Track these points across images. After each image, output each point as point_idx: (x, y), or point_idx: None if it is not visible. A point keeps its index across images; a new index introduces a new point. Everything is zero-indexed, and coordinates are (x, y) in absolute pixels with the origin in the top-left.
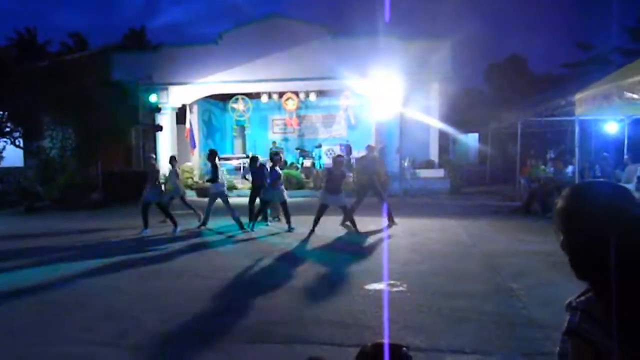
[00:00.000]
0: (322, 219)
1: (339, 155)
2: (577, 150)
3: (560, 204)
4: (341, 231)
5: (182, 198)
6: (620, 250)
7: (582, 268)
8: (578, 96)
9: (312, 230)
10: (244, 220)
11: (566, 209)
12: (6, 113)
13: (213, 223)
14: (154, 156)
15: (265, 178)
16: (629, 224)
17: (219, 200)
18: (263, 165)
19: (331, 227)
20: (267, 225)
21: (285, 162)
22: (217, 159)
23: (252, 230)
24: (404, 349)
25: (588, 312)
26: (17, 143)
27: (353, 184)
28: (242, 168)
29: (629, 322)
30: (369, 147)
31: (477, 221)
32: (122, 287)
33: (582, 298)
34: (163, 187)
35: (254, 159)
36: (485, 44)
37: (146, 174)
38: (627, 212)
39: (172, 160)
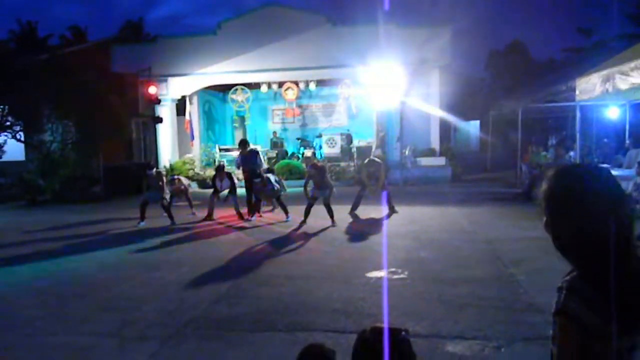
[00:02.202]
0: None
1: (307, 157)
2: (578, 135)
3: (545, 186)
4: (344, 220)
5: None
6: (605, 229)
7: (567, 248)
8: (579, 81)
9: (304, 221)
10: (243, 210)
11: (551, 191)
12: (7, 107)
13: (215, 213)
14: (163, 172)
15: (255, 165)
16: (611, 203)
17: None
18: (254, 151)
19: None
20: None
21: (286, 152)
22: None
23: (251, 219)
24: (403, 332)
25: (573, 290)
26: (18, 137)
27: (355, 174)
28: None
29: (613, 297)
30: (373, 160)
31: (478, 208)
32: (123, 277)
33: (567, 277)
34: (167, 190)
35: (242, 143)
36: (485, 31)
37: (151, 178)
38: (609, 191)
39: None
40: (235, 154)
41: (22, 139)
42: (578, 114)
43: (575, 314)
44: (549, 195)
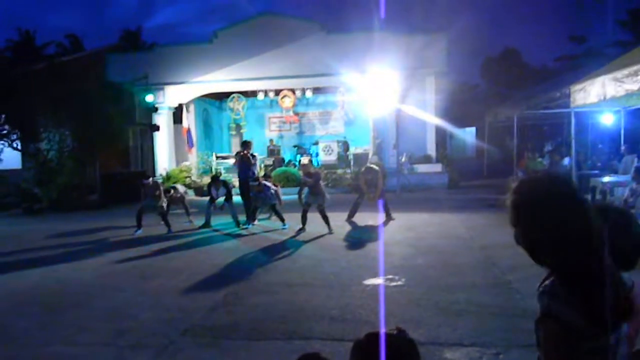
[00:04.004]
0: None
1: (304, 165)
2: (573, 142)
3: (512, 198)
4: (341, 227)
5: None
6: (570, 234)
7: (541, 257)
8: (573, 88)
9: (302, 228)
10: (241, 218)
11: (518, 202)
12: (3, 115)
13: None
14: (159, 181)
15: (246, 169)
16: (576, 211)
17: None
18: (251, 156)
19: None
20: (260, 221)
21: (283, 160)
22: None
23: (247, 227)
24: (400, 332)
25: (554, 295)
26: (15, 145)
27: (352, 181)
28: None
29: (591, 297)
30: (371, 167)
31: (475, 215)
32: (120, 286)
33: (547, 282)
34: (164, 198)
35: (237, 154)
36: (480, 38)
37: (147, 187)
38: (572, 199)
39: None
40: (232, 161)
41: (19, 147)
42: (573, 121)
43: (561, 316)
44: (518, 207)
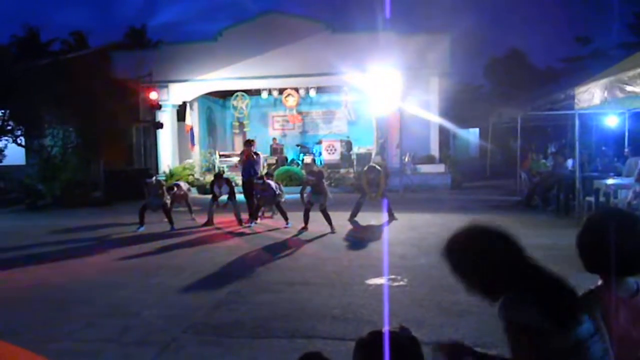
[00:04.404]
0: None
1: (307, 164)
2: (577, 144)
3: (447, 261)
4: (343, 227)
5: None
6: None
7: (482, 288)
8: (578, 90)
9: (304, 227)
10: (244, 216)
11: (453, 261)
12: (8, 111)
13: (214, 219)
14: (162, 180)
15: (250, 168)
16: (494, 250)
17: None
18: (255, 155)
19: (334, 224)
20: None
21: (286, 159)
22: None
23: (250, 226)
24: (403, 330)
25: (506, 306)
26: (19, 141)
27: (355, 180)
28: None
29: (538, 301)
30: (373, 167)
31: (478, 215)
32: (124, 283)
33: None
34: (167, 195)
35: (241, 152)
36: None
37: (150, 186)
38: (488, 241)
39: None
40: (235, 160)
41: (23, 143)
42: (577, 122)
43: (517, 319)
44: (455, 263)
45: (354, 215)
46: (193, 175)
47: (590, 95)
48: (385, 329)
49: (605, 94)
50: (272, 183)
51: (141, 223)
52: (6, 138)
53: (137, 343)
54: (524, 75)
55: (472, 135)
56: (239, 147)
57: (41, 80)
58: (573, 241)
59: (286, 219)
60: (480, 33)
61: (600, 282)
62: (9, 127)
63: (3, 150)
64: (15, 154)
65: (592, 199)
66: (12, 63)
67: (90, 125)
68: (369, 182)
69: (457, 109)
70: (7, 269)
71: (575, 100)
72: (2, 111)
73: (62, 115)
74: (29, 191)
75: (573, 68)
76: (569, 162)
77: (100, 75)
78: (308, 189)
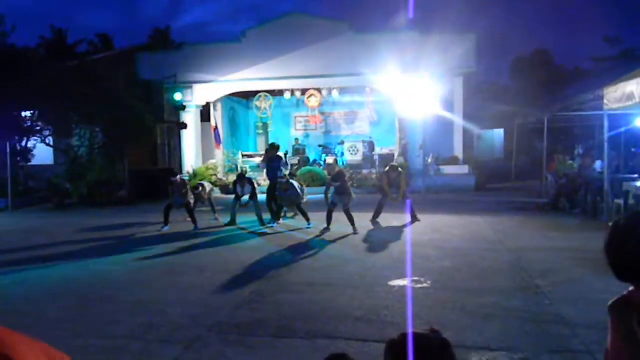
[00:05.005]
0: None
1: (329, 165)
2: (605, 145)
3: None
4: (366, 228)
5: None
6: None
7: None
8: (607, 90)
9: (327, 227)
10: (266, 217)
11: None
12: (37, 112)
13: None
14: (186, 179)
15: (276, 170)
16: None
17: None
18: (279, 157)
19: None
20: (285, 219)
21: (308, 159)
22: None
23: (272, 226)
24: (434, 333)
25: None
26: (47, 142)
27: (376, 181)
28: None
29: None
30: (394, 167)
31: (503, 218)
32: (148, 281)
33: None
34: (191, 194)
35: (271, 148)
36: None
37: (174, 184)
38: None
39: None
40: (259, 159)
41: (51, 143)
42: (606, 123)
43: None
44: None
45: (376, 216)
46: (216, 175)
47: (620, 95)
48: (415, 330)
49: (636, 94)
50: (295, 183)
51: (166, 222)
52: (35, 138)
53: (161, 341)
54: (551, 76)
55: (496, 136)
56: (262, 148)
57: (68, 82)
58: (601, 244)
59: (308, 219)
60: (506, 33)
61: (631, 288)
62: (37, 128)
63: (32, 151)
64: (44, 154)
65: (621, 201)
66: (40, 64)
67: (115, 126)
68: (389, 183)
69: (482, 109)
70: (36, 264)
71: (605, 101)
72: (31, 112)
73: (88, 116)
74: (57, 190)
75: (602, 68)
76: (598, 164)
77: (125, 76)
78: (332, 189)
